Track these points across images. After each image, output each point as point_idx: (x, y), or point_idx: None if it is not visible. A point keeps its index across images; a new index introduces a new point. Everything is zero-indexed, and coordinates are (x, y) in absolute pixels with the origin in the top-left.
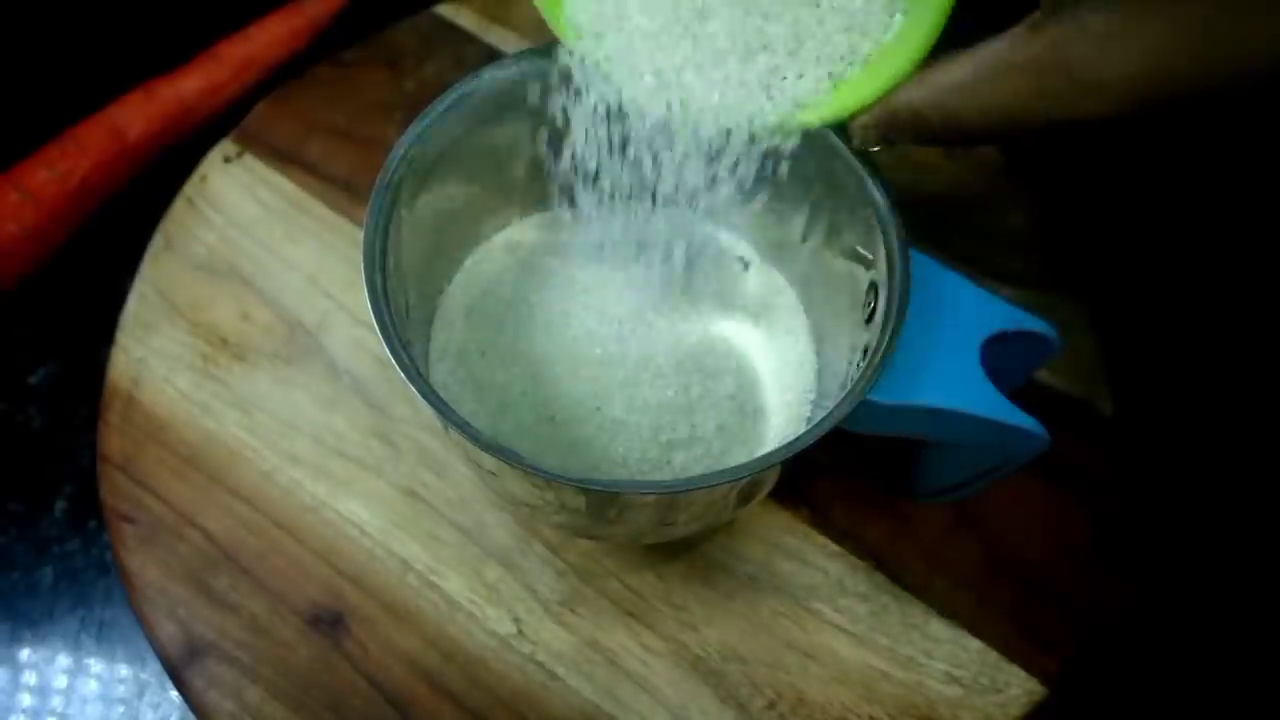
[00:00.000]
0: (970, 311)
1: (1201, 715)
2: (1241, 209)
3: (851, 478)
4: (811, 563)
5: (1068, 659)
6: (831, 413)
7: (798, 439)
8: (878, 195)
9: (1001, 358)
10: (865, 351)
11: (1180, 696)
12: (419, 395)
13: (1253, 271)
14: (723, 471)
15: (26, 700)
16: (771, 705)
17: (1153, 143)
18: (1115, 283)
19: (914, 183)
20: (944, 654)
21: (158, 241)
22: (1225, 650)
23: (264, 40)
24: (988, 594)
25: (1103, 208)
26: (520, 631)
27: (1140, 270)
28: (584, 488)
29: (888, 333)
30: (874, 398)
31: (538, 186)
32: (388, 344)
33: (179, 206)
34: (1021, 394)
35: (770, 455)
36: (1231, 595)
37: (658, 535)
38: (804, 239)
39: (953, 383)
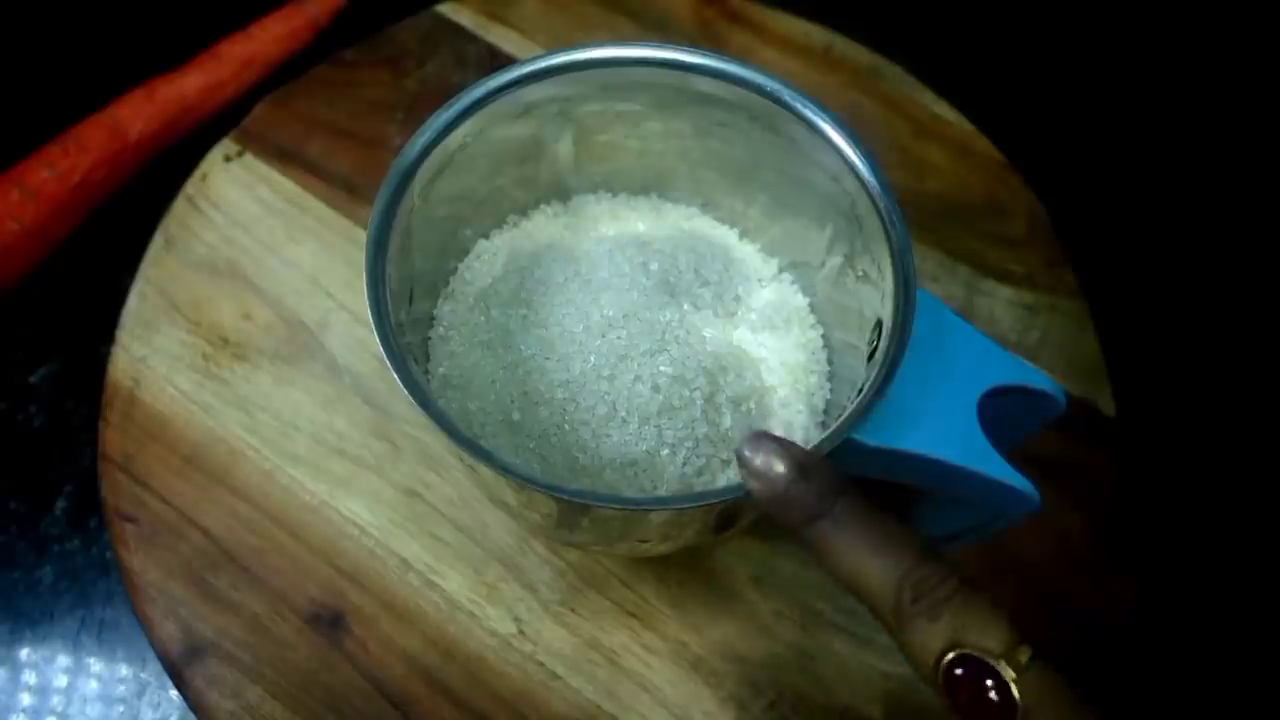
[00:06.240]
0: (974, 362)
1: (1201, 715)
2: (1241, 208)
3: (852, 477)
4: (812, 562)
5: (1068, 659)
6: (813, 449)
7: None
8: (893, 235)
9: (1003, 413)
10: (861, 389)
11: (1180, 696)
12: (399, 381)
13: (1252, 270)
14: (686, 496)
15: (26, 700)
16: (772, 705)
17: (1152, 142)
18: (1115, 283)
19: (915, 182)
20: None
21: (158, 240)
22: (1225, 650)
23: (265, 39)
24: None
25: (1103, 207)
26: (521, 631)
27: (1141, 270)
28: (553, 494)
29: (881, 374)
30: (860, 438)
31: (556, 182)
32: (374, 317)
33: (180, 205)
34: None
35: (721, 491)
36: (1232, 595)
37: (632, 550)
38: (822, 264)
39: (945, 432)
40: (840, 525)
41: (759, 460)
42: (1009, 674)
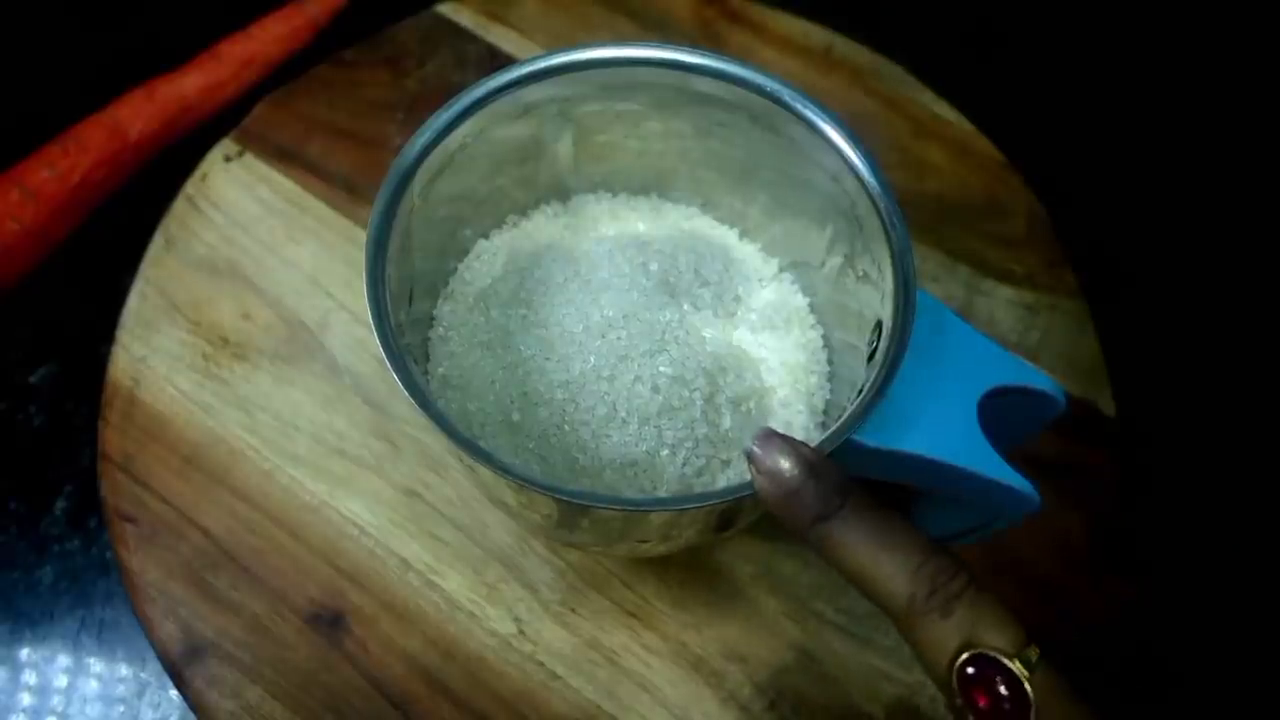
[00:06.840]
0: (974, 363)
1: (1201, 715)
2: (1241, 208)
3: (852, 476)
4: (813, 562)
5: (1067, 659)
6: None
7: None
8: (893, 236)
9: (1003, 413)
10: (861, 390)
11: (1179, 696)
12: (398, 381)
13: (1253, 270)
14: (686, 496)
15: (26, 700)
16: (773, 705)
17: (1152, 142)
18: (1115, 283)
19: (915, 182)
20: None
21: (158, 240)
22: (1225, 650)
23: (265, 39)
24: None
25: (1103, 207)
26: (521, 631)
27: (1141, 270)
28: (553, 495)
29: (881, 374)
30: (860, 439)
31: (556, 182)
32: (374, 317)
33: (180, 205)
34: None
35: (721, 492)
36: (1231, 594)
37: (632, 550)
38: (822, 264)
39: (945, 433)
40: (848, 524)
41: (768, 459)
42: (1022, 672)
